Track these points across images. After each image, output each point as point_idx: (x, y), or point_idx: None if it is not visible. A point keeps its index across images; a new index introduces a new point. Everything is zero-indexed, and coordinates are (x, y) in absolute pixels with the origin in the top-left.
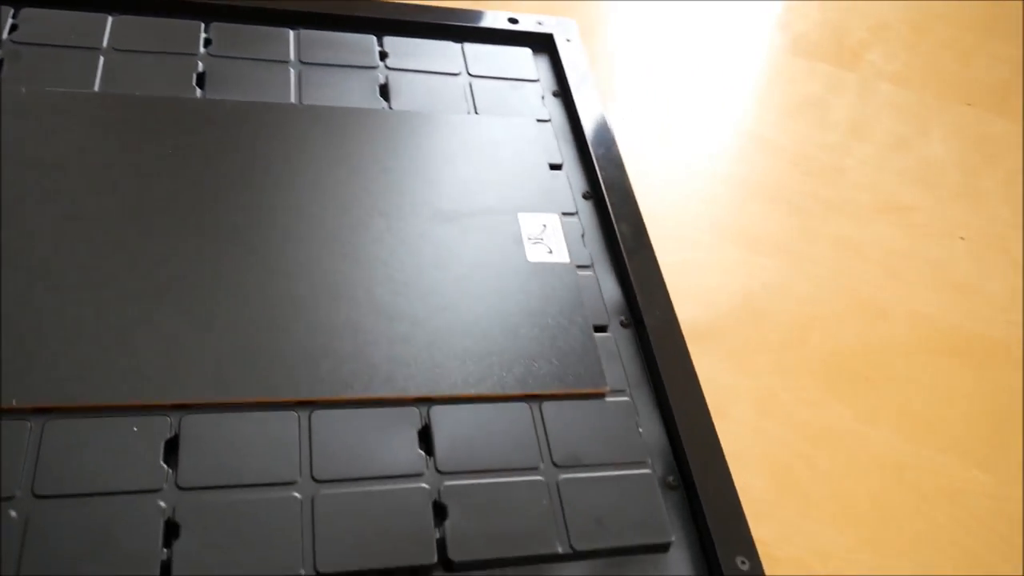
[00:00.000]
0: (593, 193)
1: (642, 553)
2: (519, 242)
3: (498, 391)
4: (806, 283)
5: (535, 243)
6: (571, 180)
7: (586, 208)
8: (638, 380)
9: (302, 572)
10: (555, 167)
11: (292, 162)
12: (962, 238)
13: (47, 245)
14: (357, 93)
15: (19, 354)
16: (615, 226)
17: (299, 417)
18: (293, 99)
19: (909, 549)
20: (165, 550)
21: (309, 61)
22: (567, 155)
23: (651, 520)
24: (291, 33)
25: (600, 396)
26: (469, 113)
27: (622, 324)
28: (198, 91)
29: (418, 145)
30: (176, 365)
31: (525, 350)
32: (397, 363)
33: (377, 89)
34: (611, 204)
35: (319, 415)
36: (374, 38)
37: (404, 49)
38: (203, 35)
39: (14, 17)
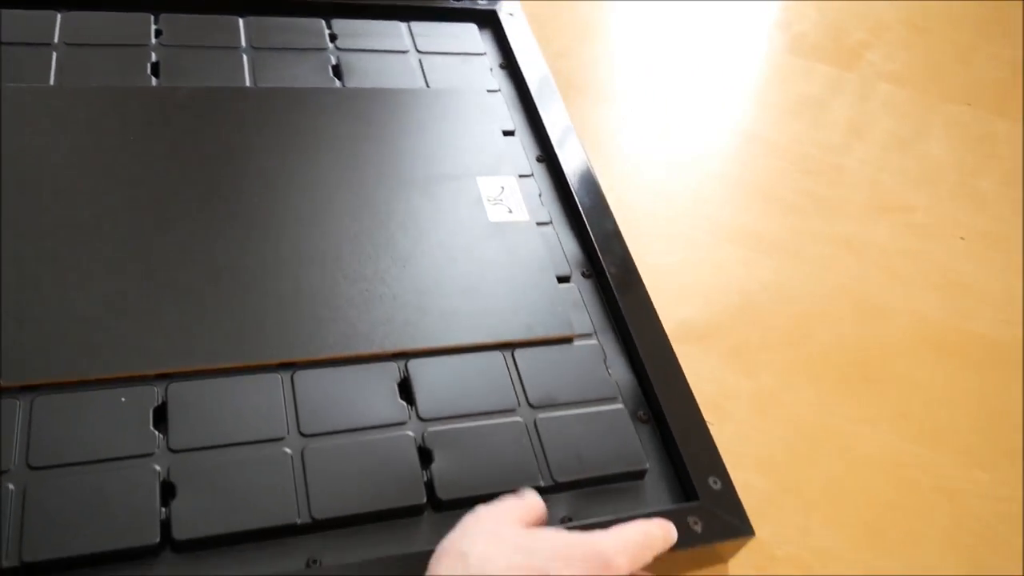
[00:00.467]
0: (546, 156)
1: (620, 481)
2: (480, 204)
3: (471, 342)
4: (806, 283)
5: (495, 204)
6: (524, 145)
7: (540, 171)
8: (603, 326)
9: (298, 520)
10: (508, 133)
11: (258, 141)
12: (962, 238)
13: (24, 230)
14: (311, 74)
15: (3, 334)
16: (570, 185)
17: (282, 378)
18: (248, 83)
19: (909, 549)
20: (163, 509)
21: (260, 46)
22: (518, 122)
23: (626, 450)
24: (240, 20)
25: (568, 341)
26: (422, 87)
27: (583, 275)
28: (153, 80)
29: (376, 119)
30: (159, 336)
31: (494, 303)
32: (373, 322)
33: (330, 69)
34: (564, 165)
35: (301, 375)
36: (323, 21)
37: (353, 30)
38: (154, 26)
39: None
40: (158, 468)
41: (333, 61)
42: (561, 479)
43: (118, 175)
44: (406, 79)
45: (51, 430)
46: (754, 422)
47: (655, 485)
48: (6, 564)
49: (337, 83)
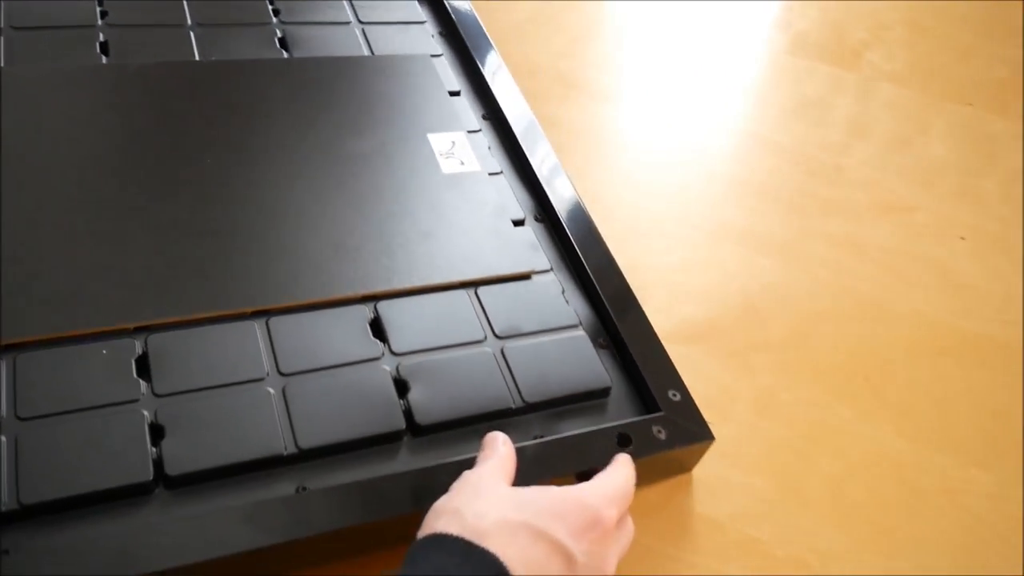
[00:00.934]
0: (492, 114)
1: (586, 400)
2: (433, 158)
3: (436, 282)
4: (806, 283)
5: (447, 158)
6: (470, 105)
7: (487, 127)
8: (558, 264)
9: (285, 451)
10: (454, 94)
11: (215, 110)
12: (962, 238)
13: None
14: (257, 47)
15: None
16: (517, 138)
17: (257, 325)
18: (197, 58)
19: (909, 549)
20: (154, 450)
21: (206, 23)
22: (462, 85)
23: (590, 371)
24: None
25: (527, 277)
26: (368, 55)
27: (536, 219)
28: (103, 59)
29: (327, 86)
30: (135, 291)
31: (454, 246)
32: (341, 269)
33: (276, 42)
34: (511, 120)
35: (276, 320)
36: None
37: (294, 5)
38: (99, 8)
39: None
40: (145, 412)
41: (278, 34)
42: (531, 400)
43: (87, 145)
44: (351, 48)
45: (37, 383)
46: (754, 422)
47: (618, 402)
48: (6, 508)
49: (284, 54)
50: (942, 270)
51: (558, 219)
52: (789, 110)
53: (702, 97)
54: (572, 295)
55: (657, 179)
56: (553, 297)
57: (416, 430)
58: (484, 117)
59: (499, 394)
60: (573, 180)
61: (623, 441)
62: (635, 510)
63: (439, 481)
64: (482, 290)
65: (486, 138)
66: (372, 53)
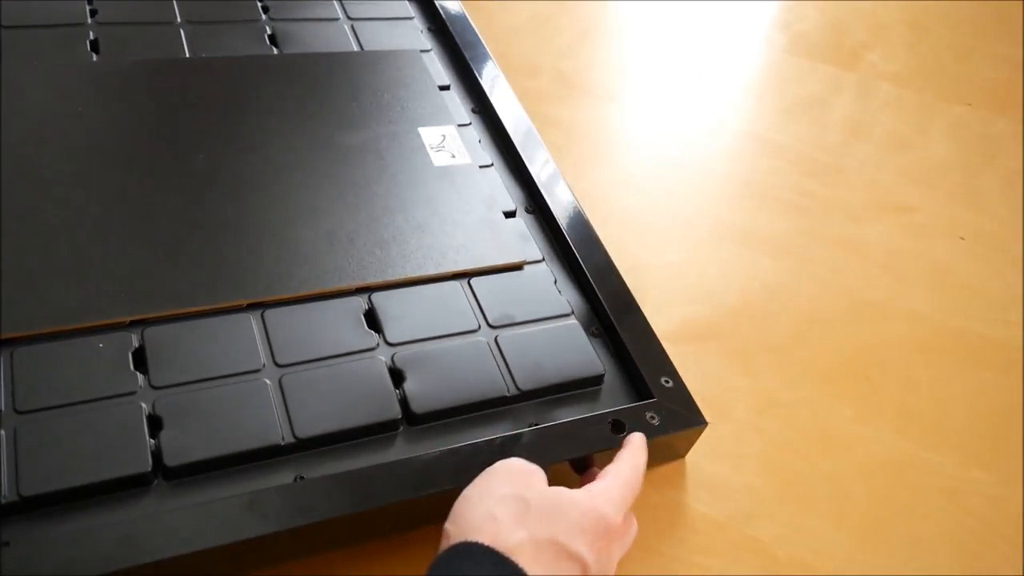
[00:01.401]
0: (481, 108)
1: (580, 388)
2: (424, 151)
3: (429, 273)
4: (806, 283)
5: (438, 151)
6: (460, 98)
7: (477, 121)
8: (550, 255)
9: (282, 441)
10: (444, 88)
11: (208, 105)
12: (962, 238)
13: None
14: (248, 44)
15: None
16: (507, 131)
17: (252, 318)
18: (188, 55)
19: (909, 549)
20: (152, 441)
21: (195, 20)
22: (452, 79)
23: (583, 358)
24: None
25: (519, 268)
26: (358, 50)
27: (527, 210)
28: (94, 56)
29: (318, 81)
30: (130, 286)
31: (447, 238)
32: (334, 262)
33: (266, 39)
34: (500, 113)
35: (271, 313)
36: None
37: (283, 2)
38: (89, 7)
39: None
40: (143, 405)
41: (268, 31)
42: (525, 388)
43: (81, 142)
44: (341, 44)
45: (34, 377)
46: (754, 422)
47: (612, 389)
48: (6, 500)
49: (275, 51)
50: (942, 270)
51: (549, 210)
52: (789, 110)
53: (702, 97)
54: (564, 284)
55: (657, 179)
56: (545, 286)
57: (412, 419)
58: (474, 110)
59: (494, 383)
60: (573, 180)
61: (617, 427)
62: (636, 510)
63: (436, 469)
64: (475, 281)
65: (476, 131)
66: (361, 49)
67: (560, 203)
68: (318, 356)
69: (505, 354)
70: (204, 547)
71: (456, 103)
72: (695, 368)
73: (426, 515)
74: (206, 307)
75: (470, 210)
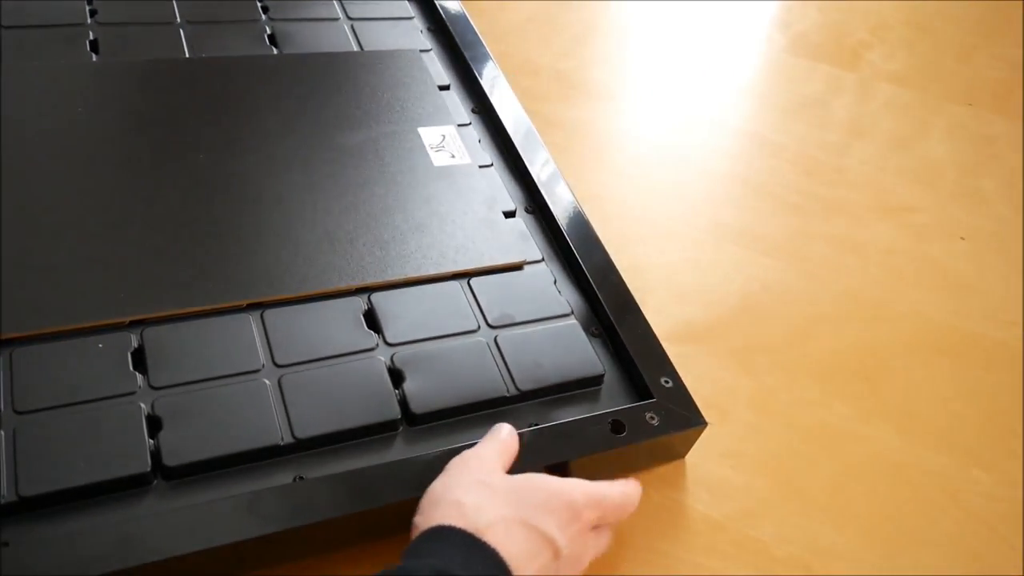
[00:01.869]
0: (481, 108)
1: (580, 388)
2: (424, 151)
3: (428, 273)
4: (806, 283)
5: (438, 151)
6: (460, 98)
7: (477, 121)
8: (549, 255)
9: (282, 441)
10: (443, 88)
11: (208, 105)
12: (962, 238)
13: None
14: (248, 44)
15: None
16: (507, 131)
17: (251, 318)
18: (187, 55)
19: (909, 549)
20: (151, 441)
21: (195, 20)
22: (452, 79)
23: (583, 358)
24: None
25: (519, 268)
26: (358, 50)
27: (527, 210)
28: (94, 56)
29: (318, 80)
30: (129, 286)
31: (446, 238)
32: (334, 262)
33: (266, 39)
34: (500, 113)
35: (271, 313)
36: None
37: (283, 2)
38: (88, 7)
39: None
40: (142, 405)
41: (268, 31)
42: (525, 388)
43: (81, 142)
44: (340, 44)
45: (33, 378)
46: (754, 422)
47: (612, 389)
48: (5, 500)
49: (275, 51)
50: (942, 270)
51: (549, 210)
52: (789, 110)
53: (702, 97)
54: (564, 285)
55: (657, 179)
56: (545, 286)
57: (411, 419)
58: (473, 110)
59: (493, 383)
60: (573, 180)
61: (616, 428)
62: (636, 509)
63: (435, 469)
64: (475, 281)
65: (476, 131)
66: (361, 49)
67: (560, 203)
68: (317, 356)
69: (505, 354)
70: (204, 547)
71: (456, 103)
72: (695, 368)
73: None
74: (205, 307)
75: (470, 210)
